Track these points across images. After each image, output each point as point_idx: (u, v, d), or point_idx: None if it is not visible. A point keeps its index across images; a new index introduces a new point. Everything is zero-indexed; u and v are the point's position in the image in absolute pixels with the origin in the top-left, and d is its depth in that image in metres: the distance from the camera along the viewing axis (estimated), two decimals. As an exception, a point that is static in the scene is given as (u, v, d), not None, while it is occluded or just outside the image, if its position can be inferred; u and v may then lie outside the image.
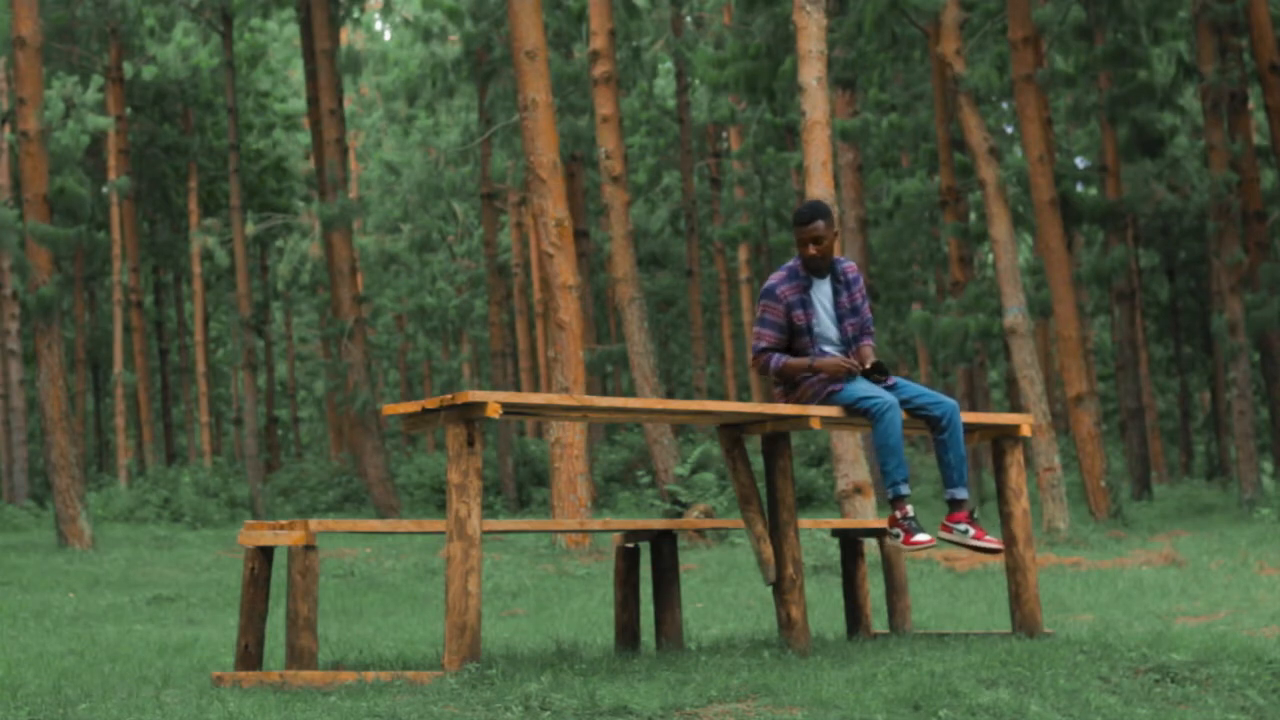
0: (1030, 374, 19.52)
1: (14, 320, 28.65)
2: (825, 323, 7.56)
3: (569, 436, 17.62)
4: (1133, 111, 24.42)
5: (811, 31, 16.12)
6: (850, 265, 7.66)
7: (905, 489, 7.31)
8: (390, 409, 6.64)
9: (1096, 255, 29.77)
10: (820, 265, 7.48)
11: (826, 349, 7.55)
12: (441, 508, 28.89)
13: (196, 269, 36.17)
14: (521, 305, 38.42)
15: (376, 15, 43.90)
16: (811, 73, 16.10)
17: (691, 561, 15.99)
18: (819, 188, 15.93)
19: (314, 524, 7.03)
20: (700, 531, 17.40)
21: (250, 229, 34.28)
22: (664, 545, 8.04)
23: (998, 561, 15.10)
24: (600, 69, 21.28)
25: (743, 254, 38.36)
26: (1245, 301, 23.19)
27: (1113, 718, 6.03)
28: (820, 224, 7.42)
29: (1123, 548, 16.86)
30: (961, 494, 7.47)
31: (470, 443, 6.48)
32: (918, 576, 14.28)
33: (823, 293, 7.56)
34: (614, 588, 8.23)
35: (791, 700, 5.97)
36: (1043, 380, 19.85)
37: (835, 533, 9.17)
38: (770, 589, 7.50)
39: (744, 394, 40.23)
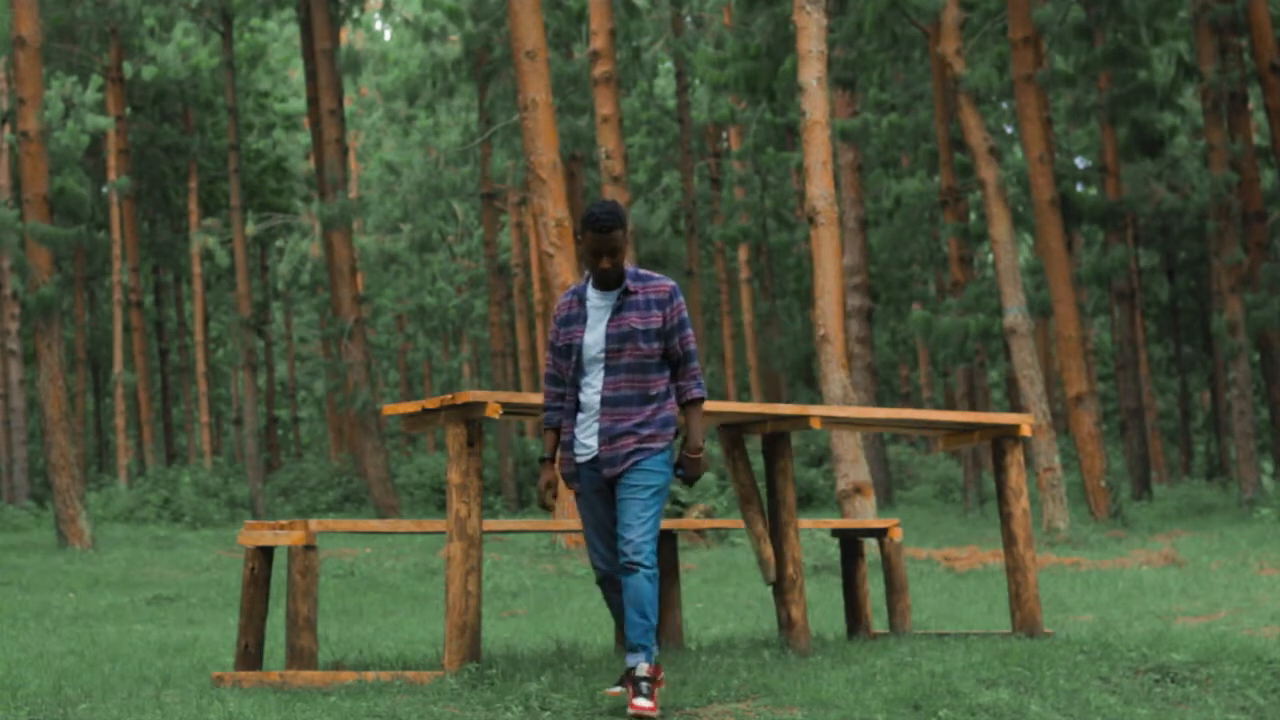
0: (1030, 374, 19.52)
1: (14, 320, 28.63)
2: (593, 345, 6.12)
3: (569, 436, 17.58)
4: (1133, 111, 24.41)
5: (811, 31, 16.12)
6: (662, 285, 6.13)
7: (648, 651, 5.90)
8: (390, 409, 6.64)
9: (1096, 255, 29.77)
10: (610, 280, 6.12)
11: (586, 379, 6.14)
12: (441, 508, 28.89)
13: (196, 269, 36.17)
14: (521, 305, 38.40)
15: (376, 15, 43.89)
16: (811, 73, 16.09)
17: (691, 561, 15.99)
18: (819, 188, 15.93)
19: (314, 524, 7.03)
20: (700, 531, 17.39)
21: (250, 229, 34.28)
22: (664, 545, 8.04)
23: (995, 563, 15.10)
24: (600, 69, 21.27)
25: (743, 254, 38.36)
26: (1245, 301, 23.19)
27: (1113, 718, 6.03)
28: (619, 234, 6.05)
29: (1123, 548, 16.86)
30: (632, 660, 5.88)
31: (470, 443, 6.48)
32: (918, 576, 14.28)
33: (606, 300, 6.16)
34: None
35: (791, 700, 5.97)
36: (1043, 380, 19.85)
37: (835, 533, 9.18)
38: (770, 589, 7.50)
39: (744, 394, 40.23)
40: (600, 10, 21.30)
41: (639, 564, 5.89)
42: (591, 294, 6.14)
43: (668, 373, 6.13)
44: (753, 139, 33.79)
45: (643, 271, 6.15)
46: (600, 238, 5.98)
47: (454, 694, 5.99)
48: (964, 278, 26.17)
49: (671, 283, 6.10)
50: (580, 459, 6.13)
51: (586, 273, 6.15)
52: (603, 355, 6.06)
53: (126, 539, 21.03)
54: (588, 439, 6.09)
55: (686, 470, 6.09)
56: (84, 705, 6.12)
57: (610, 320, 6.07)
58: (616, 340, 6.04)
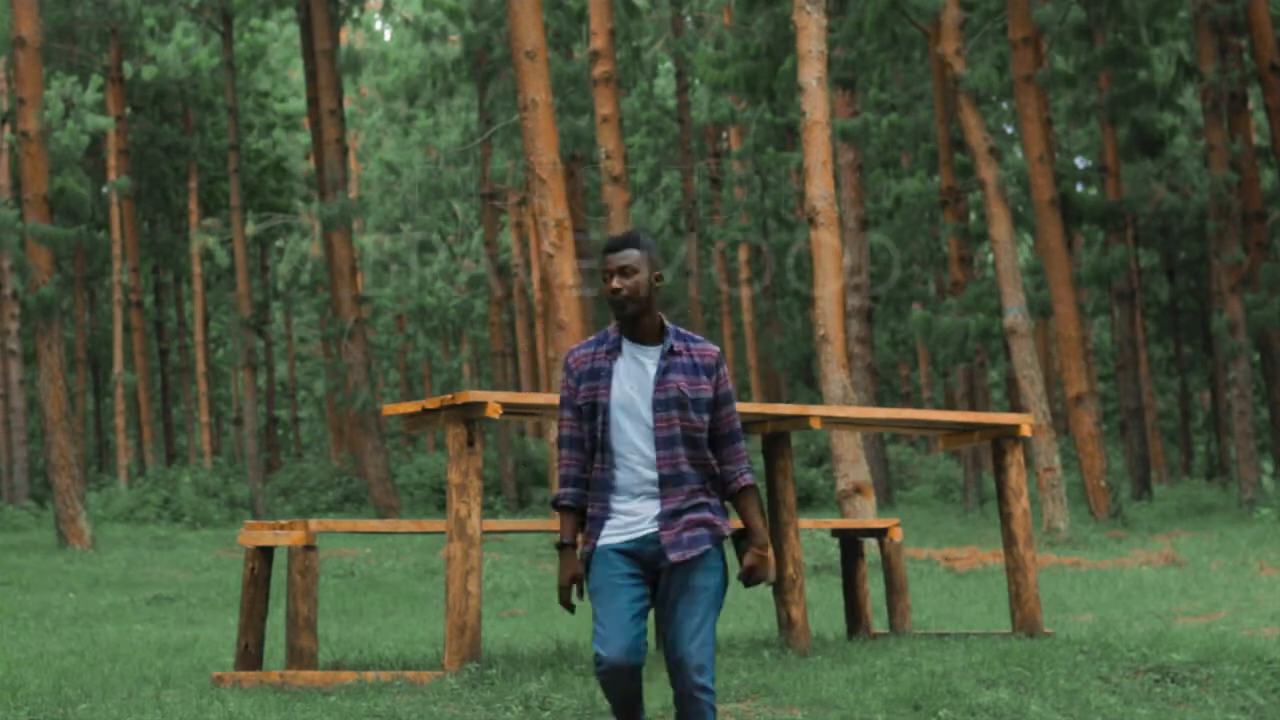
0: (1030, 374, 19.52)
1: (14, 320, 28.64)
2: (630, 406, 5.16)
3: (569, 436, 17.56)
4: (1133, 111, 24.42)
5: (811, 31, 16.12)
6: (708, 350, 5.24)
7: None
8: (390, 409, 6.65)
9: (1096, 255, 29.77)
10: (627, 310, 5.15)
11: (624, 449, 5.14)
12: (441, 508, 28.88)
13: (196, 269, 36.17)
14: (521, 305, 38.42)
15: (376, 15, 43.88)
16: (811, 73, 16.09)
17: (691, 561, 15.95)
18: (819, 188, 15.93)
19: (314, 524, 7.03)
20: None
21: (250, 229, 34.29)
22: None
23: (995, 562, 15.10)
24: (600, 69, 21.27)
25: (743, 254, 38.37)
26: (1245, 301, 23.19)
27: (1113, 718, 6.03)
28: (633, 253, 5.17)
29: (1123, 548, 16.86)
30: None
31: (470, 443, 6.48)
32: (918, 576, 14.27)
33: (645, 356, 5.20)
34: (614, 588, 8.22)
35: (791, 700, 5.97)
36: (1043, 380, 19.85)
37: (835, 533, 9.18)
38: (770, 589, 7.49)
39: (743, 394, 40.23)
40: (600, 10, 21.30)
41: (707, 688, 4.97)
42: (627, 345, 5.20)
43: None
44: (753, 139, 33.80)
45: (684, 331, 5.25)
46: (609, 257, 5.18)
47: (454, 694, 5.99)
48: (964, 278, 26.16)
49: (716, 348, 5.27)
50: (616, 541, 5.08)
51: (612, 323, 5.30)
52: (651, 423, 5.10)
53: (126, 539, 21.03)
54: (636, 518, 5.09)
55: (755, 573, 5.09)
56: (84, 705, 6.12)
57: (657, 383, 5.12)
58: (663, 407, 5.09)
